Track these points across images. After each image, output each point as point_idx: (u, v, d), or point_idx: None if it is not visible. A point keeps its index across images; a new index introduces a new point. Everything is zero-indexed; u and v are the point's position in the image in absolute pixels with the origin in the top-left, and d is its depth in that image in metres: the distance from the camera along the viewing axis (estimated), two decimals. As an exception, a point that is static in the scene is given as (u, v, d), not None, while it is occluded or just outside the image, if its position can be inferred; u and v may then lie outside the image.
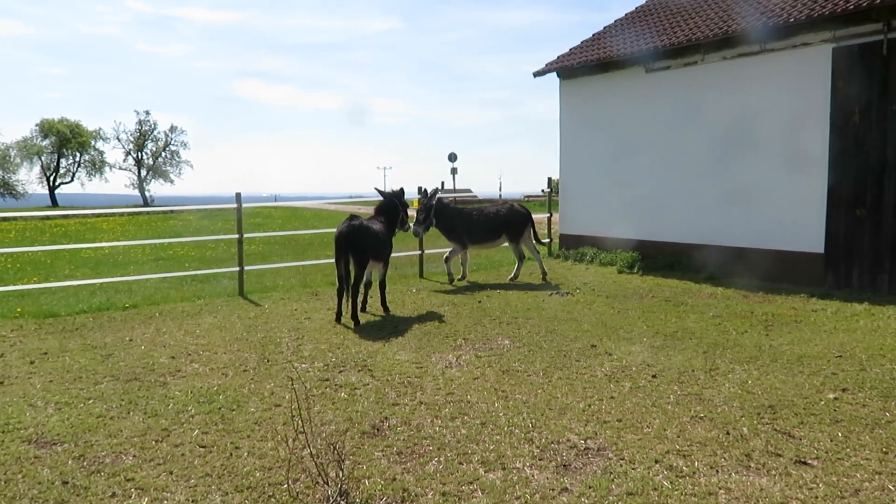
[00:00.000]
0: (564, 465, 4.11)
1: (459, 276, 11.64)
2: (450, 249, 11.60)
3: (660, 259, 12.25)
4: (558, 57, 14.65)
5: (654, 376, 5.91)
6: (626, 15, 15.35)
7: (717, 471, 4.01)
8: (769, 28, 10.51)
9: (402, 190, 9.76)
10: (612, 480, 3.90)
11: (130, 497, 3.75)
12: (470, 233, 11.45)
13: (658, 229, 12.69)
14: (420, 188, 11.33)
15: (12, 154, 66.39)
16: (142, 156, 73.35)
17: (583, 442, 4.46)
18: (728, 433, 4.57)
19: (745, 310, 8.75)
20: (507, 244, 11.94)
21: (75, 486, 3.88)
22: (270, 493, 3.78)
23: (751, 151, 11.14)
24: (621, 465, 4.09)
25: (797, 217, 10.54)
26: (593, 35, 14.97)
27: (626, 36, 13.73)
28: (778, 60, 10.73)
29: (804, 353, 6.61)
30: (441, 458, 4.22)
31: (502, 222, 11.56)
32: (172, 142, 74.10)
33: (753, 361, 6.33)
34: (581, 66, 13.70)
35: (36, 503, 3.69)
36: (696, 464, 4.10)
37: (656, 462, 4.13)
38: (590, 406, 5.16)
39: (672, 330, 7.68)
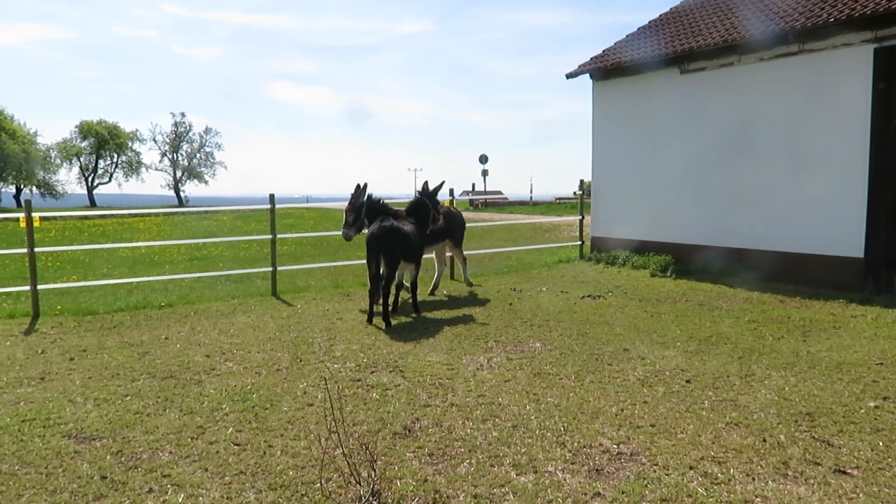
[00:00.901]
0: (597, 470, 4.08)
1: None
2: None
3: (694, 263, 12.09)
4: (591, 58, 14.56)
5: (688, 381, 5.84)
6: (660, 16, 15.20)
7: (754, 478, 3.95)
8: (808, 28, 10.32)
9: (440, 184, 9.65)
10: (646, 486, 3.86)
11: (167, 493, 3.82)
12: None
13: (692, 232, 12.53)
14: (358, 185, 9.58)
15: (53, 155, 68.02)
16: (177, 157, 74.68)
17: (615, 447, 4.42)
18: (764, 440, 4.49)
19: (781, 315, 8.60)
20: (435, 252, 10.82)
21: (114, 481, 3.95)
22: (303, 492, 3.81)
23: (788, 154, 10.96)
24: (655, 471, 4.05)
25: (836, 221, 10.32)
26: (627, 36, 14.85)
27: (661, 37, 13.59)
28: (817, 61, 10.53)
29: (843, 359, 6.47)
30: (472, 461, 4.22)
31: (447, 227, 10.23)
32: (207, 143, 75.36)
33: (790, 368, 6.21)
34: (614, 67, 13.59)
35: (76, 497, 3.77)
36: (732, 471, 4.04)
37: (690, 468, 4.08)
38: (622, 410, 5.12)
39: (706, 334, 7.58)
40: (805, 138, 10.73)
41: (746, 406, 5.18)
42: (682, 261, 12.26)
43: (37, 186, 65.71)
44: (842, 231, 10.23)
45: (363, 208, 9.28)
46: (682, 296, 10.08)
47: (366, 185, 9.45)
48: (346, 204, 9.47)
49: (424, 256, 10.11)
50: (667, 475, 3.99)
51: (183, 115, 76.97)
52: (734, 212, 11.81)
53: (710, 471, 4.04)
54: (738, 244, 11.70)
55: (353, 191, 9.43)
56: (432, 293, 10.61)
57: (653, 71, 13.10)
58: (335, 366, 6.43)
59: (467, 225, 11.77)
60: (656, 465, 4.14)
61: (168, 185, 75.27)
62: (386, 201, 9.26)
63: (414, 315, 8.92)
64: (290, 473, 4.05)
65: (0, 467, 4.14)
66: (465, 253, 11.46)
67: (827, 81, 10.44)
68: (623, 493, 3.78)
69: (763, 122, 11.29)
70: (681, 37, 12.94)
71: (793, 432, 4.63)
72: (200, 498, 3.76)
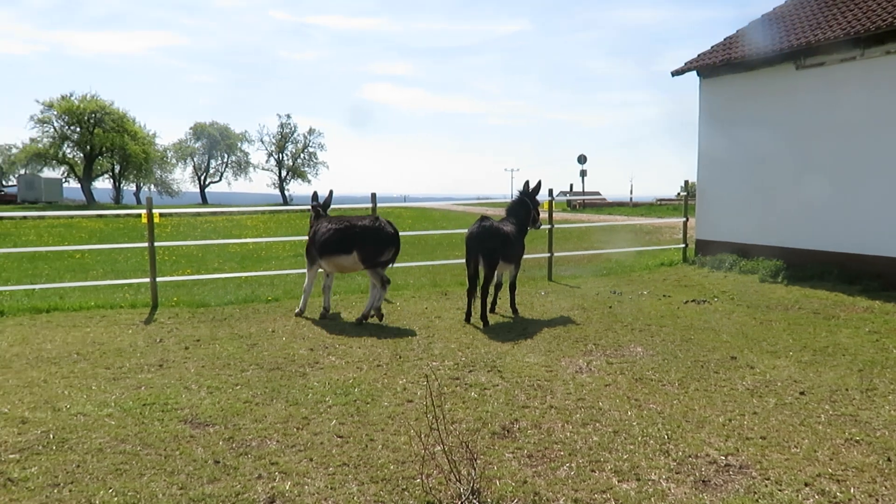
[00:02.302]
0: (703, 481, 3.93)
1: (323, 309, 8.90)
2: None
3: (807, 268, 11.44)
4: (699, 55, 14.06)
5: (802, 393, 5.53)
6: (774, 9, 14.48)
7: (877, 500, 3.69)
8: (942, 18, 9.57)
9: (538, 184, 9.50)
10: (757, 501, 3.68)
11: (275, 480, 3.96)
12: (317, 244, 8.79)
13: (806, 237, 11.87)
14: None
15: (169, 155, 72.28)
16: (282, 157, 77.47)
17: (723, 458, 4.25)
18: (889, 459, 4.20)
19: (906, 326, 8.01)
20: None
21: (226, 466, 4.14)
22: (404, 487, 3.86)
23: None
24: (766, 486, 3.86)
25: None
26: (737, 31, 14.24)
27: (775, 31, 12.95)
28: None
29: (979, 376, 5.96)
30: (572, 464, 4.16)
31: (354, 236, 8.49)
32: (310, 144, 77.78)
33: (918, 383, 5.78)
34: (724, 63, 13.06)
35: (192, 479, 3.97)
36: (852, 490, 3.80)
37: (806, 485, 3.87)
38: (730, 421, 4.91)
39: (822, 345, 7.16)
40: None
41: (868, 422, 4.86)
42: (795, 266, 11.63)
43: (154, 185, 69.98)
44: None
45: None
46: (795, 303, 9.57)
47: (331, 193, 9.39)
48: (445, 204, 9.69)
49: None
50: (779, 490, 3.80)
51: (288, 116, 79.98)
52: (853, 215, 11.10)
53: (827, 489, 3.81)
54: (857, 249, 10.99)
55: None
56: (361, 321, 8.47)
57: (765, 67, 12.50)
58: (434, 363, 6.49)
59: (566, 226, 11.63)
60: (768, 479, 3.95)
61: (273, 184, 78.30)
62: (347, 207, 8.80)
63: (512, 315, 8.89)
64: (391, 468, 4.12)
65: (124, 447, 4.42)
66: (559, 254, 11.17)
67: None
68: (732, 506, 3.63)
69: (889, 120, 10.55)
70: (797, 30, 12.29)
71: (921, 453, 4.30)
72: (306, 486, 3.88)
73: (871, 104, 10.85)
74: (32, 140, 58.78)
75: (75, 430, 4.71)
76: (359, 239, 8.48)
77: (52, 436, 4.61)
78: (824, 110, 11.58)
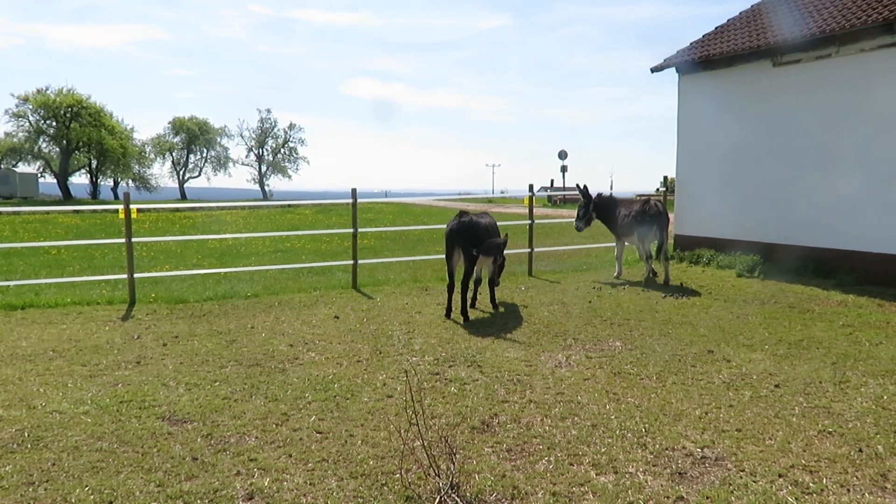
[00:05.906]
0: (680, 473, 3.98)
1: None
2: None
3: (784, 263, 11.59)
4: (678, 51, 14.17)
5: (776, 386, 5.61)
6: (752, 6, 14.62)
7: (849, 490, 3.76)
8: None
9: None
10: (732, 492, 3.74)
11: (254, 476, 3.95)
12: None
13: (782, 232, 12.01)
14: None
15: (147, 150, 71.40)
16: (262, 152, 76.82)
17: (699, 450, 4.30)
18: (861, 451, 4.27)
19: (879, 320, 8.15)
20: None
21: (204, 463, 4.12)
22: (383, 482, 3.87)
23: (892, 151, 10.34)
24: (741, 477, 3.92)
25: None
26: (716, 28, 14.36)
27: (752, 28, 13.07)
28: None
29: (949, 368, 6.08)
30: (551, 458, 4.19)
31: None
32: (291, 139, 77.15)
33: (890, 375, 5.88)
34: (702, 60, 13.16)
35: (169, 476, 3.95)
36: (825, 481, 3.86)
37: (780, 476, 3.93)
38: (706, 413, 4.97)
39: (797, 338, 7.27)
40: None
41: (841, 414, 4.94)
42: (771, 261, 11.78)
43: (132, 180, 69.07)
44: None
45: (591, 204, 11.97)
46: (771, 297, 9.69)
47: (586, 187, 11.71)
48: (426, 199, 9.92)
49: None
50: (754, 482, 3.85)
51: (269, 111, 79.17)
52: (828, 211, 11.25)
53: (800, 479, 3.88)
54: (832, 244, 11.15)
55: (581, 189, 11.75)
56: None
57: (743, 64, 12.62)
58: (414, 359, 6.50)
59: (546, 221, 11.72)
60: (743, 471, 4.00)
61: (253, 179, 77.63)
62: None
63: (492, 310, 8.91)
64: (371, 463, 4.12)
65: (101, 445, 4.39)
66: (539, 249, 11.39)
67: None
68: (707, 498, 3.67)
69: (864, 116, 10.70)
70: (774, 27, 12.41)
71: (892, 443, 4.39)
72: (285, 483, 3.88)
73: (846, 100, 10.99)
74: (7, 135, 57.74)
75: (51, 428, 4.66)
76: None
77: (27, 434, 4.56)
78: (802, 106, 11.71)
